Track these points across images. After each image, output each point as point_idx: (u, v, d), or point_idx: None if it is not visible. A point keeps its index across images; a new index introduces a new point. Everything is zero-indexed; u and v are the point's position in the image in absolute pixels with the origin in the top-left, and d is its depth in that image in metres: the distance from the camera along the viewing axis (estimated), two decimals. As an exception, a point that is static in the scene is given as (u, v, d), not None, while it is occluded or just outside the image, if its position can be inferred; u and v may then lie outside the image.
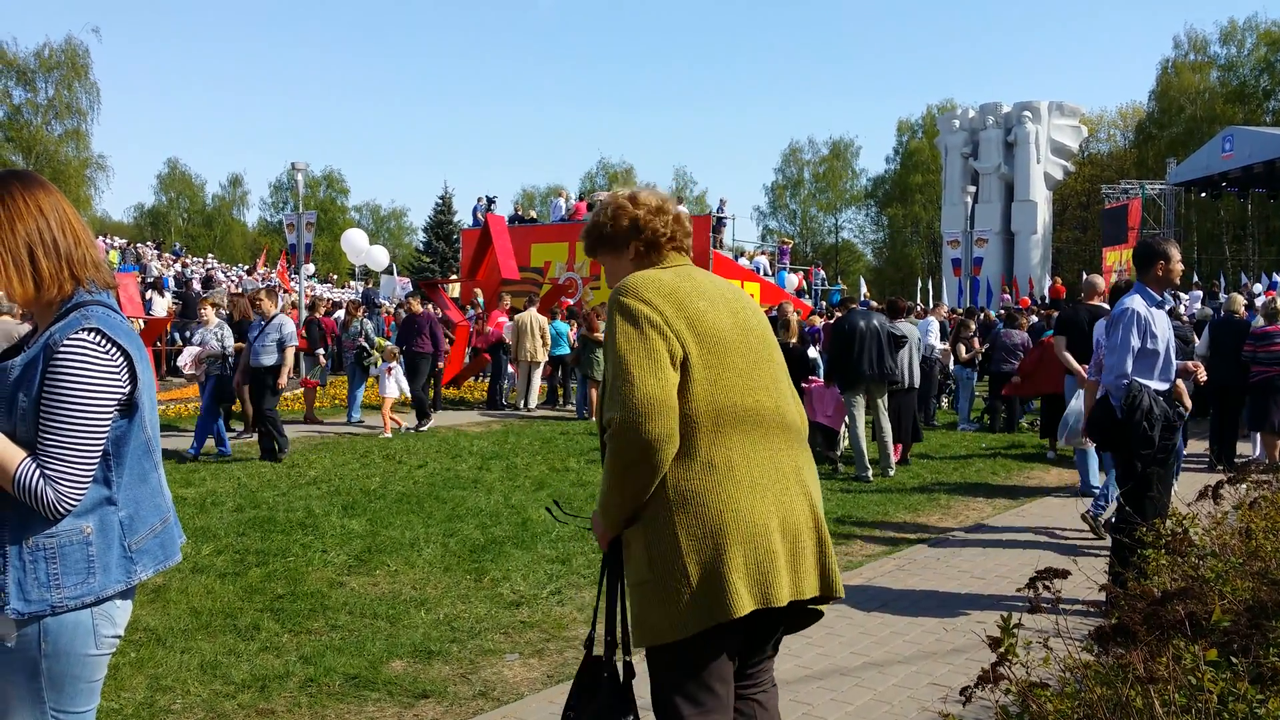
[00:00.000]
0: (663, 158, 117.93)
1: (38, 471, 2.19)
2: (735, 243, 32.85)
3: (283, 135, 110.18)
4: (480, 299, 21.18)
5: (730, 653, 2.54)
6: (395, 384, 13.71)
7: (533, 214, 35.78)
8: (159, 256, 39.15)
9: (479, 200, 32.09)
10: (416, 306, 15.41)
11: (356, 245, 25.28)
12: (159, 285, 26.38)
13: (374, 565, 6.72)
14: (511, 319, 17.38)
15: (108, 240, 37.76)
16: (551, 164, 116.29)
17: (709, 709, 2.51)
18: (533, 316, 16.92)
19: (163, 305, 23.72)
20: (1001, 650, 2.33)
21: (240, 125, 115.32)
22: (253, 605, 5.83)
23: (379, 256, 26.94)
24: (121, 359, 2.28)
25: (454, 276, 32.85)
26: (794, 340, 11.73)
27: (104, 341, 2.26)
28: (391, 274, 34.71)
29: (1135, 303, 5.53)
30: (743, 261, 29.86)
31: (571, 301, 24.35)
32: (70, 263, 2.30)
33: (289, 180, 62.89)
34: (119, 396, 2.28)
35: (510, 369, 17.91)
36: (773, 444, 2.53)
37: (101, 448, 2.27)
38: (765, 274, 29.37)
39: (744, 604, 2.38)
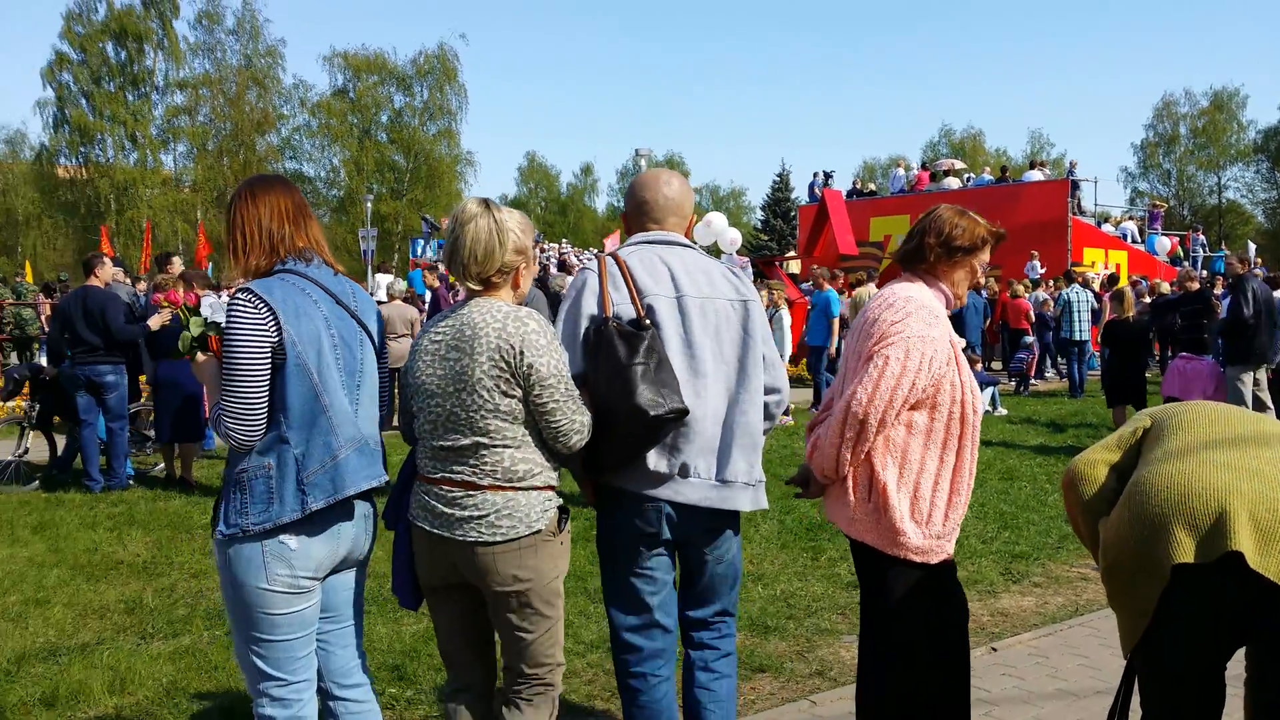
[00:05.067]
0: (1015, 121, 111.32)
1: (217, 410, 2.66)
2: (1098, 208, 30.29)
3: (629, 123, 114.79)
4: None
5: (1211, 638, 2.50)
6: None
7: (872, 187, 35.01)
8: (520, 243, 42.13)
9: (816, 175, 31.79)
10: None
11: (702, 234, 25.82)
12: (520, 269, 28.37)
13: (713, 539, 6.84)
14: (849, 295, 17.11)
15: (476, 229, 41.05)
16: (892, 135, 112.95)
17: (1189, 700, 2.53)
18: (870, 292, 16.56)
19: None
20: None
21: (590, 116, 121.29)
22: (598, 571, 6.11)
23: (736, 237, 27.20)
24: (267, 313, 2.64)
25: (792, 254, 32.84)
26: (1130, 315, 11.15)
27: (253, 299, 2.65)
28: (730, 254, 35.21)
29: None
30: (1107, 228, 27.58)
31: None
32: (273, 240, 2.77)
33: (634, 166, 65.55)
34: (265, 345, 2.63)
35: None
36: (1242, 445, 2.56)
37: (259, 390, 2.63)
38: (1133, 240, 26.98)
39: (1184, 551, 2.38)
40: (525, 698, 2.87)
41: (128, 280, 12.21)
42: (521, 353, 2.66)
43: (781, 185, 56.49)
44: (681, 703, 3.20)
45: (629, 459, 2.91)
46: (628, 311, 2.95)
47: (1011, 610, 5.46)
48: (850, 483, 3.00)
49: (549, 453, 2.81)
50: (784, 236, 52.43)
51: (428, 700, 4.23)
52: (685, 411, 2.85)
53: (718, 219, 26.12)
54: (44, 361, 9.54)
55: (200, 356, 2.81)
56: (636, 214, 3.21)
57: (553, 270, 30.28)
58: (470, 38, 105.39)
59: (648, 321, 2.91)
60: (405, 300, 12.83)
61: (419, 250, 39.26)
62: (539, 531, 2.74)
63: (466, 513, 2.71)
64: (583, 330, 2.97)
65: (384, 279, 21.06)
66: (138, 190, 46.89)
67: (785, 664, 4.65)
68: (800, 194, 48.58)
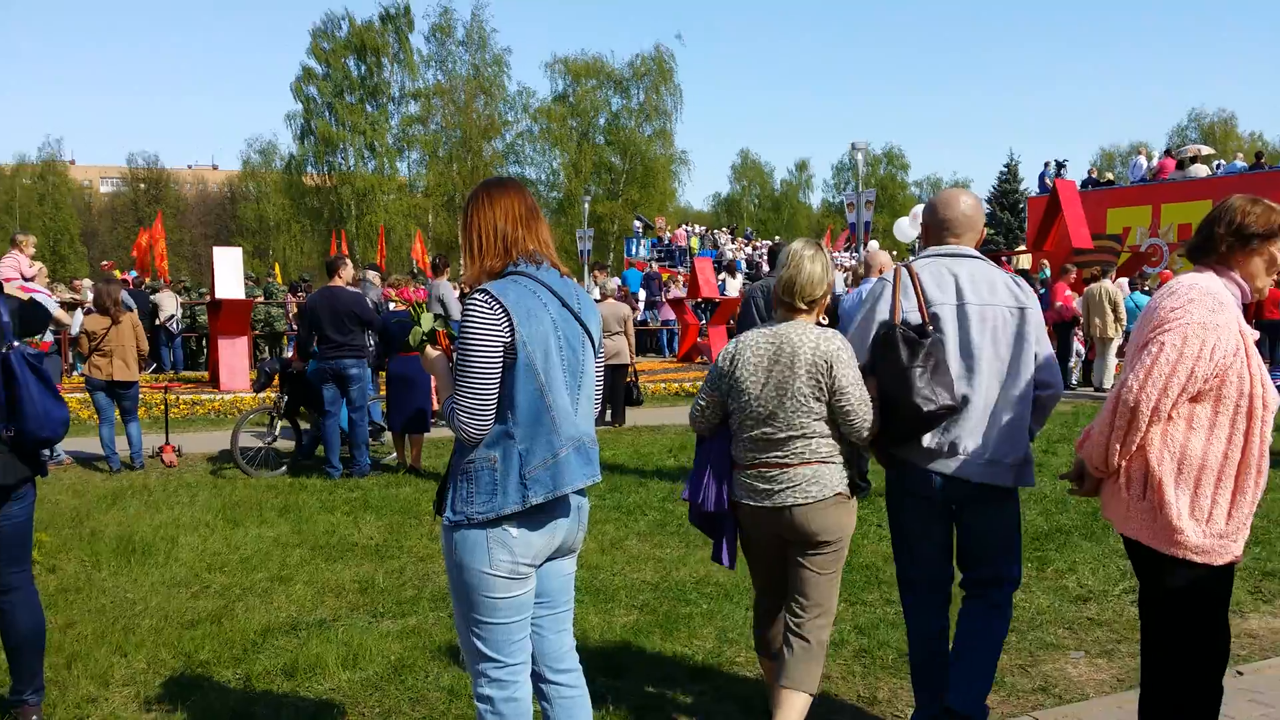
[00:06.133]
0: (1272, 102, 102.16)
1: (450, 404, 2.77)
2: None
3: (845, 117, 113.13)
4: (1047, 270, 20.01)
5: None
6: None
7: (1109, 176, 33.07)
8: (732, 240, 42.20)
9: (1046, 165, 30.38)
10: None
11: (903, 229, 25.19)
12: (731, 268, 28.42)
13: (929, 543, 6.62)
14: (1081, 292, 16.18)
15: (689, 228, 41.38)
16: (1134, 121, 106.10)
17: None
18: (1104, 288, 15.60)
19: (735, 286, 25.53)
20: None
21: (805, 112, 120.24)
22: (811, 572, 6.02)
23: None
24: (502, 314, 2.73)
25: (1020, 248, 31.41)
26: None
27: (489, 300, 2.75)
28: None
29: None
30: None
31: (1154, 270, 22.14)
32: (506, 243, 2.87)
33: (850, 161, 64.28)
34: (499, 344, 2.73)
35: (1079, 346, 16.70)
36: None
37: (490, 386, 2.73)
38: None
39: None
40: (811, 623, 3.55)
41: (378, 281, 13.01)
42: (831, 367, 3.38)
43: (1009, 176, 54.16)
44: (953, 644, 3.65)
45: (906, 440, 3.47)
46: (915, 318, 3.47)
47: (1261, 632, 5.01)
48: (1123, 477, 2.94)
49: (839, 438, 3.52)
50: (1012, 230, 50.26)
51: (638, 691, 4.28)
52: (955, 408, 3.36)
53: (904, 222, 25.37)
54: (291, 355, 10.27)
55: (430, 351, 2.95)
56: (938, 229, 3.64)
57: (764, 269, 30.16)
58: (686, 38, 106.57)
59: (930, 329, 3.42)
60: (618, 298, 13.07)
61: (633, 249, 40.04)
62: (840, 494, 3.46)
63: (782, 486, 3.46)
64: (873, 331, 3.51)
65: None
66: (375, 196, 49.98)
67: (1006, 678, 4.43)
68: (1030, 185, 46.41)
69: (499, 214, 2.89)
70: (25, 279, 10.51)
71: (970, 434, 3.43)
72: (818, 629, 3.55)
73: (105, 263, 25.65)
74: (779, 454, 3.46)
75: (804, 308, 3.53)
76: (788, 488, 3.45)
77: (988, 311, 3.46)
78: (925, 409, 3.31)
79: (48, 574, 5.99)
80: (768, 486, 3.49)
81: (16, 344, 3.77)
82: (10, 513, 3.85)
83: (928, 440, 3.45)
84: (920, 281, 3.50)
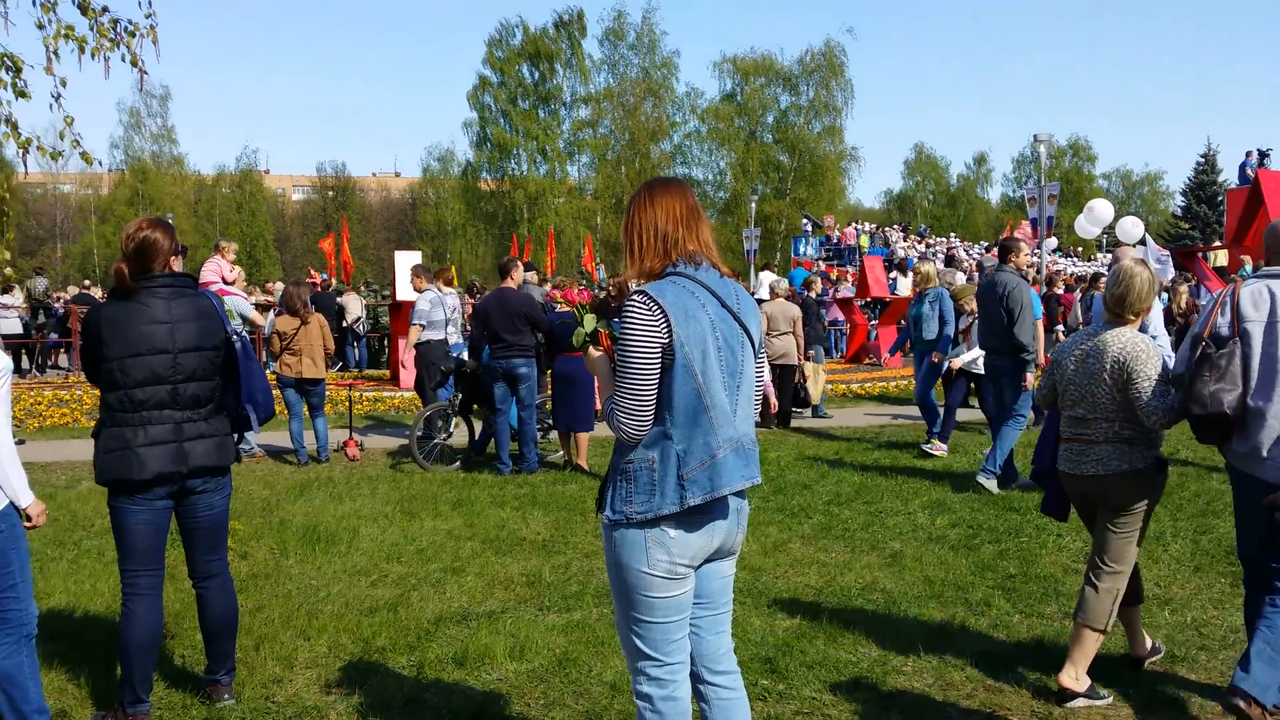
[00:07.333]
0: None
1: (609, 404, 2.81)
2: None
3: (1027, 108, 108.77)
4: (1249, 267, 18.71)
5: None
6: None
7: (1318, 165, 30.69)
8: (905, 238, 41.20)
9: (1248, 155, 28.48)
10: None
11: (1082, 225, 23.96)
12: (903, 266, 27.76)
13: (1112, 554, 6.29)
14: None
15: (858, 225, 40.64)
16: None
17: None
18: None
19: (906, 285, 24.92)
20: None
21: (984, 104, 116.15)
22: (984, 581, 5.82)
23: (1133, 225, 24.84)
24: (660, 315, 2.74)
25: (1217, 243, 29.49)
26: None
27: (647, 301, 2.76)
28: (1145, 243, 32.21)
29: None
30: None
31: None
32: (666, 243, 2.88)
33: (1032, 153, 61.70)
34: (657, 345, 2.74)
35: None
36: None
37: (648, 387, 2.75)
38: None
39: None
40: (1105, 574, 4.20)
41: (536, 281, 13.31)
42: (1129, 364, 4.03)
43: (1207, 167, 51.01)
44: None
45: (1206, 439, 3.93)
46: (1226, 331, 3.85)
47: None
48: None
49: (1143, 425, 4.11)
50: (1209, 224, 47.28)
51: (799, 695, 4.23)
52: (1225, 415, 3.74)
53: (1100, 205, 23.96)
54: (465, 355, 10.60)
55: (593, 351, 2.99)
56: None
57: (939, 265, 29.30)
58: (857, 30, 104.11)
59: (1232, 342, 3.79)
60: (788, 298, 12.94)
61: (800, 249, 39.59)
62: (1139, 469, 4.09)
63: (1089, 458, 4.17)
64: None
65: (766, 277, 21.42)
66: (546, 199, 51.13)
67: (1192, 698, 4.17)
68: (1229, 176, 43.48)
69: (660, 214, 2.90)
70: (225, 282, 11.23)
71: (1273, 440, 3.76)
72: (1110, 578, 4.17)
73: (312, 271, 27.16)
74: (1089, 431, 4.17)
75: (1131, 318, 4.20)
76: (1093, 459, 4.14)
77: None
78: (1195, 411, 3.80)
79: (240, 560, 6.37)
80: (1078, 457, 4.21)
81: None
82: (213, 503, 4.14)
83: (1235, 443, 3.87)
84: (1238, 298, 3.88)
